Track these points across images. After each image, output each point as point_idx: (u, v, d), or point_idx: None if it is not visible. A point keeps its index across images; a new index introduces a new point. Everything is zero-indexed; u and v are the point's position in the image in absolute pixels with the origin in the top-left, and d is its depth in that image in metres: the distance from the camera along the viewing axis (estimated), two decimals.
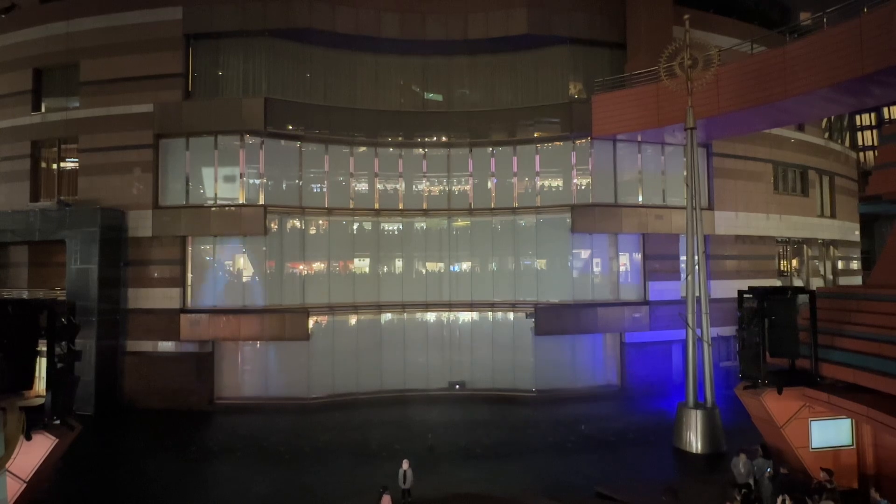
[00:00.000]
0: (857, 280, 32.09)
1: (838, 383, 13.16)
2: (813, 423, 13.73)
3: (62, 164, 23.89)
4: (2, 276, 24.14)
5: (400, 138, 23.76)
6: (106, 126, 22.61)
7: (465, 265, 24.25)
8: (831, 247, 30.89)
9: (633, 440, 17.88)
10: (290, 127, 22.73)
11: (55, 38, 23.41)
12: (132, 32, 22.65)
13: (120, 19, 22.81)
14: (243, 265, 22.70)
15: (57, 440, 11.42)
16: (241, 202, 22.18)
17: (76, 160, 23.34)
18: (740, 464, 12.98)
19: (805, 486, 12.32)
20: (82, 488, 14.18)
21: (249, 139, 22.37)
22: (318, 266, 23.26)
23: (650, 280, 23.83)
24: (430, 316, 24.07)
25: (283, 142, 22.81)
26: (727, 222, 25.24)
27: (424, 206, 24.17)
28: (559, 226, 23.56)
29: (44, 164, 24.21)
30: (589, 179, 23.54)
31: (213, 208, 22.18)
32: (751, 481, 12.53)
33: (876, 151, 41.48)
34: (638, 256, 24.17)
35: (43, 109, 24.07)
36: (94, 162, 22.81)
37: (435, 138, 24.10)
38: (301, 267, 22.98)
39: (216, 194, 22.48)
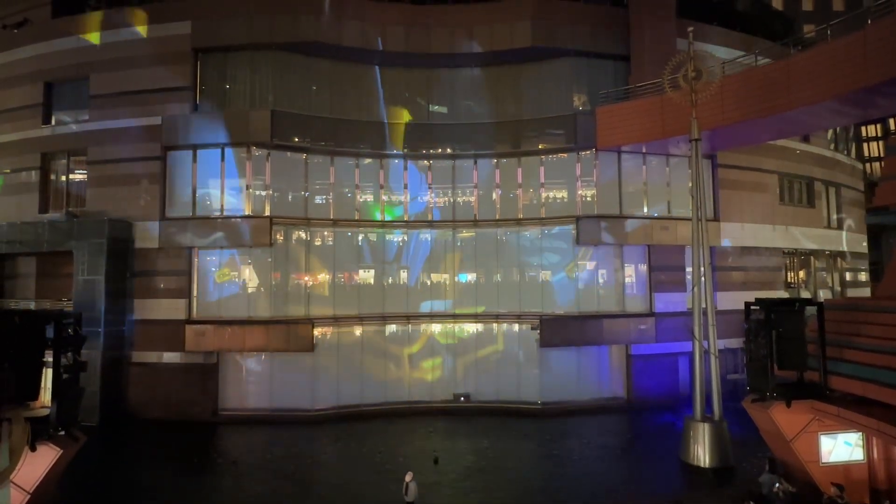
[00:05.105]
0: (866, 292, 31.80)
1: (848, 396, 13.00)
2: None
3: (71, 176, 24.12)
4: (10, 287, 24.28)
5: (405, 150, 23.87)
6: (115, 138, 22.85)
7: (470, 276, 24.20)
8: (839, 258, 30.68)
9: (639, 453, 17.71)
10: (296, 139, 22.90)
11: (66, 53, 23.75)
12: (141, 46, 22.96)
13: (129, 34, 23.15)
14: (248, 276, 22.75)
15: (61, 451, 11.43)
16: (247, 214, 22.28)
17: (85, 172, 23.58)
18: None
19: (815, 501, 12.14)
20: (86, 499, 14.13)
21: (256, 151, 22.53)
22: (322, 277, 23.29)
23: (656, 292, 23.69)
24: (435, 327, 24.00)
25: (289, 154, 22.96)
26: (733, 234, 25.14)
27: (429, 218, 24.21)
28: (564, 237, 23.54)
29: (53, 176, 24.44)
30: (594, 191, 23.54)
31: (220, 220, 22.29)
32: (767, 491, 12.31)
33: (882, 162, 41.32)
34: (643, 268, 24.06)
35: (53, 122, 24.37)
36: (102, 174, 23.02)
37: (440, 150, 24.20)
38: (306, 278, 23.01)
39: (222, 206, 22.59)
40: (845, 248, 30.57)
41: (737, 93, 18.98)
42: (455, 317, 23.80)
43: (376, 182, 24.10)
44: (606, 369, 23.92)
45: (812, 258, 28.77)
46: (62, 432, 11.53)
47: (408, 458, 16.64)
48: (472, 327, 24.04)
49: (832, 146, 30.70)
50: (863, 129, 42.45)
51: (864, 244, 33.27)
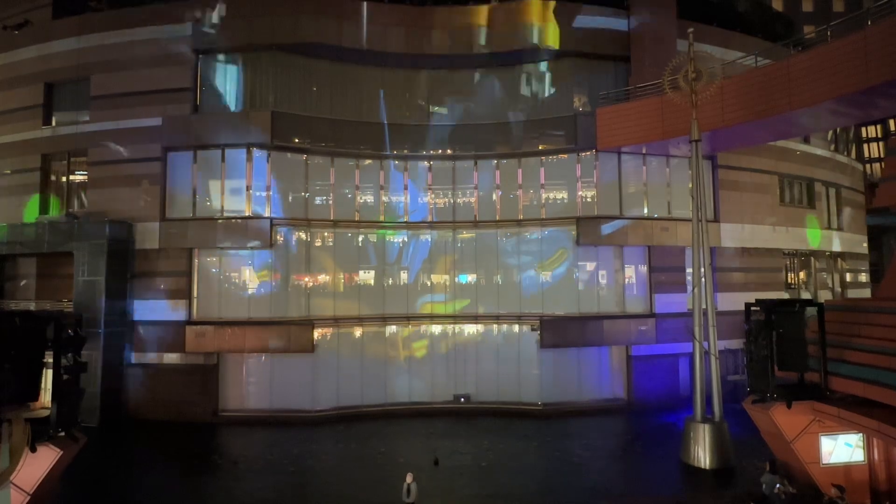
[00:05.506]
0: (866, 293, 31.79)
1: (848, 397, 12.99)
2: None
3: (71, 177, 24.13)
4: (10, 288, 24.26)
5: (405, 151, 23.86)
6: (115, 139, 22.84)
7: (471, 277, 24.19)
8: (839, 259, 30.66)
9: (640, 454, 17.71)
10: (297, 140, 22.90)
11: (66, 54, 23.75)
12: (142, 48, 22.98)
13: (130, 35, 23.16)
14: (249, 277, 22.75)
15: (61, 452, 11.43)
16: (247, 214, 22.29)
17: (85, 173, 23.59)
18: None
19: (816, 502, 12.13)
20: (86, 501, 14.13)
21: (256, 152, 22.53)
22: (322, 278, 23.29)
23: (656, 292, 23.68)
24: (436, 328, 23.98)
25: (289, 154, 22.97)
26: (733, 234, 25.13)
27: (430, 219, 24.20)
28: (564, 238, 23.54)
29: (53, 177, 24.45)
30: (594, 192, 23.54)
31: (220, 221, 22.29)
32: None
33: (882, 163, 41.33)
34: (644, 269, 24.05)
35: (53, 123, 24.38)
36: (102, 175, 23.03)
37: (440, 151, 24.18)
38: (306, 279, 23.01)
39: (223, 207, 22.59)
40: (846, 249, 30.55)
41: (737, 94, 18.99)
42: (455, 318, 23.79)
43: (376, 183, 24.10)
44: (607, 370, 23.91)
45: (812, 259, 28.76)
46: (62, 433, 11.52)
47: (408, 459, 16.63)
48: (472, 328, 24.03)
49: (832, 147, 30.69)
50: (863, 130, 42.45)
51: (865, 245, 33.25)
